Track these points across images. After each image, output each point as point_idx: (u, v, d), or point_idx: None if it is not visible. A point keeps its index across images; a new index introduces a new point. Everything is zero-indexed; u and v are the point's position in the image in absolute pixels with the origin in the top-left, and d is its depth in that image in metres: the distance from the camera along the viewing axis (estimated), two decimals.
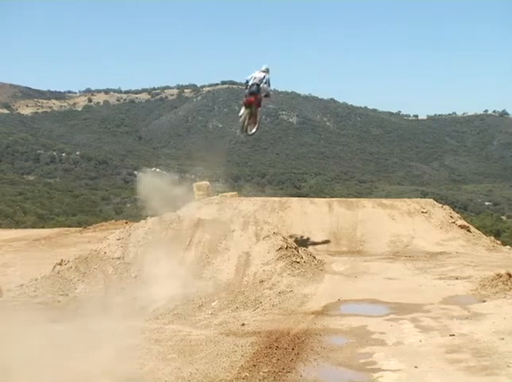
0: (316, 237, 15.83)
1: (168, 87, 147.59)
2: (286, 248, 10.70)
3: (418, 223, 16.69)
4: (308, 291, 9.27)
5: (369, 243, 15.46)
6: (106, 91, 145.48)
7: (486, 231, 22.97)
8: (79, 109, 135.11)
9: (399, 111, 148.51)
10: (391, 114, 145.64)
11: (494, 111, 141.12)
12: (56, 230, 21.80)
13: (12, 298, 9.04)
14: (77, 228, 21.64)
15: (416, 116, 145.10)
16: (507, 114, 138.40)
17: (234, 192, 21.84)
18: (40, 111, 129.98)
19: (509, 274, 9.04)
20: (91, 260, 10.13)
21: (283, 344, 6.18)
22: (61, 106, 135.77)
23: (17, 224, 42.54)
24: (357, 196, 36.30)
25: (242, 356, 5.74)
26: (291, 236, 14.05)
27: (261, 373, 5.21)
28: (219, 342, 6.51)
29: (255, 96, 13.27)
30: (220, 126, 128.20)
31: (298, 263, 10.49)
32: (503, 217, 67.38)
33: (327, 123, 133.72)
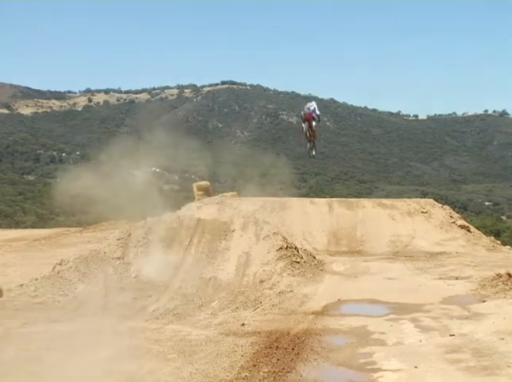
0: (316, 237, 15.83)
1: (168, 87, 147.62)
2: (286, 248, 10.70)
3: (418, 223, 16.70)
4: (308, 291, 9.27)
5: (369, 243, 15.47)
6: (106, 91, 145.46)
7: (486, 231, 22.97)
8: (79, 109, 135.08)
9: (399, 111, 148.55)
10: (391, 114, 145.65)
11: (494, 111, 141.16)
12: (56, 230, 21.82)
13: (12, 298, 9.04)
14: (77, 228, 21.64)
15: (416, 116, 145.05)
16: (507, 114, 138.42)
17: (234, 192, 21.85)
18: (40, 111, 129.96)
19: (509, 274, 9.04)
20: (91, 260, 10.13)
21: (283, 344, 6.18)
22: (61, 106, 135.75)
23: (17, 224, 42.55)
24: (357, 196, 36.29)
25: (242, 356, 5.74)
26: (291, 236, 14.06)
27: (261, 373, 5.20)
28: (219, 342, 6.51)
29: (310, 114, 17.53)
30: (220, 126, 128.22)
31: (298, 263, 10.49)
32: (503, 217, 67.39)
33: (327, 123, 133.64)
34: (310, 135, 17.90)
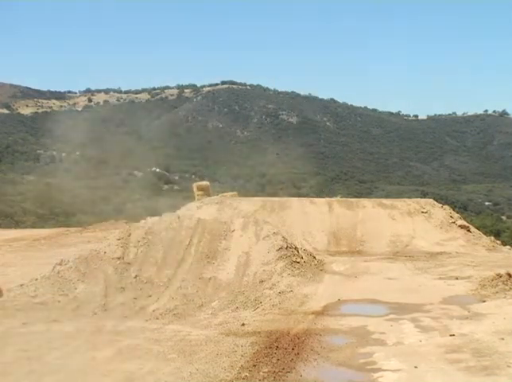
0: (316, 237, 15.83)
1: (168, 87, 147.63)
2: (286, 248, 10.70)
3: (418, 223, 16.71)
4: (308, 291, 9.26)
5: (369, 243, 15.47)
6: (106, 91, 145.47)
7: (486, 231, 22.98)
8: (79, 109, 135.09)
9: (399, 111, 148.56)
10: (391, 114, 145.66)
11: (494, 111, 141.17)
12: (56, 230, 21.81)
13: (12, 298, 9.04)
14: (77, 228, 21.64)
15: (416, 116, 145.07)
16: (507, 114, 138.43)
17: (234, 193, 21.86)
18: (40, 111, 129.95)
19: (509, 274, 9.04)
20: (91, 260, 10.12)
21: (283, 344, 6.18)
22: (61, 106, 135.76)
23: (17, 224, 42.57)
24: (357, 196, 36.30)
25: (242, 356, 5.74)
26: (291, 236, 14.06)
27: (261, 373, 5.20)
28: (219, 342, 6.50)
29: None
30: (220, 126, 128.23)
31: (298, 263, 10.49)
32: (503, 217, 67.42)
33: (327, 123, 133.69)
34: None
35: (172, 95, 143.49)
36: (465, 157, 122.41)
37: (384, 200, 18.51)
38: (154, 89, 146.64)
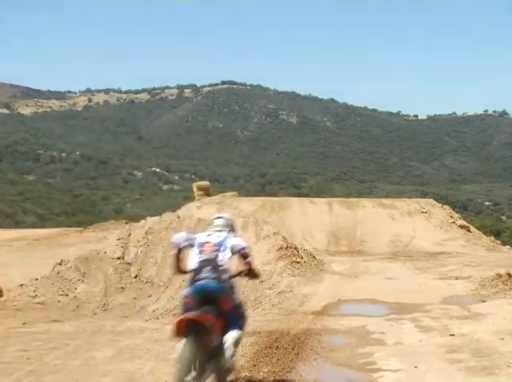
0: (316, 237, 15.84)
1: (168, 87, 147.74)
2: (286, 248, 10.71)
3: (418, 223, 16.72)
4: (308, 291, 9.27)
5: (369, 243, 15.48)
6: (106, 91, 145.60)
7: (486, 231, 23.00)
8: (79, 109, 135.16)
9: (399, 111, 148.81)
10: (391, 114, 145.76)
11: (494, 111, 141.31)
12: (56, 230, 21.81)
13: (12, 298, 9.04)
14: (77, 228, 21.64)
15: (416, 116, 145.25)
16: (507, 114, 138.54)
17: (234, 192, 21.87)
18: (40, 110, 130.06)
19: (509, 274, 9.04)
20: (91, 260, 10.12)
21: (283, 344, 6.17)
22: (61, 106, 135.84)
23: (17, 224, 42.60)
24: (357, 196, 36.33)
25: (242, 356, 5.73)
26: (291, 236, 14.06)
27: (261, 373, 5.20)
28: None
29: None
30: (220, 126, 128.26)
31: (298, 263, 10.50)
32: (503, 217, 67.47)
33: (327, 123, 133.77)
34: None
35: (172, 95, 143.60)
36: (465, 157, 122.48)
37: (384, 200, 18.53)
38: (154, 89, 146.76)
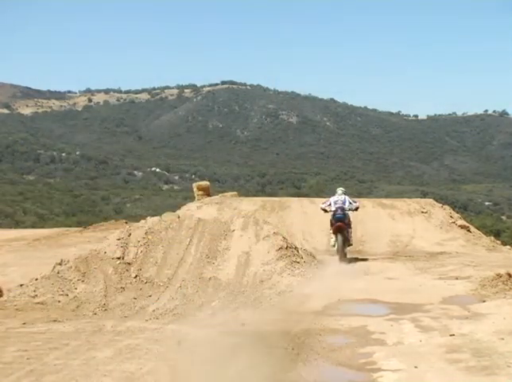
0: (316, 237, 15.82)
1: (168, 87, 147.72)
2: (286, 248, 10.70)
3: (418, 223, 16.70)
4: (308, 291, 9.26)
5: (369, 243, 15.46)
6: (106, 91, 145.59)
7: (486, 231, 23.00)
8: (79, 109, 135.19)
9: (399, 111, 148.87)
10: (391, 114, 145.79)
11: (494, 111, 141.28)
12: (56, 230, 21.79)
13: (12, 298, 9.04)
14: (77, 228, 21.61)
15: (416, 116, 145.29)
16: (507, 114, 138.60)
17: (234, 192, 21.85)
18: (40, 110, 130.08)
19: (509, 274, 9.03)
20: (91, 260, 10.11)
21: (283, 344, 6.17)
22: (61, 106, 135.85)
23: (17, 224, 42.63)
24: (357, 196, 36.28)
25: (242, 356, 5.73)
26: (291, 236, 14.05)
27: (261, 373, 5.20)
28: (218, 342, 6.51)
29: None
30: (220, 126, 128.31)
31: (298, 263, 10.48)
32: (503, 217, 67.50)
33: (327, 123, 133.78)
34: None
35: (172, 95, 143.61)
36: (465, 157, 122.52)
37: (384, 200, 18.51)
38: (154, 89, 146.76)
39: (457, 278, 10.32)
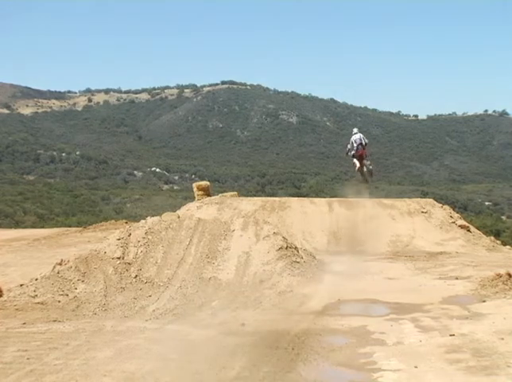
0: (316, 237, 15.83)
1: (168, 87, 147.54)
2: (286, 248, 10.70)
3: (418, 223, 16.69)
4: (308, 291, 9.27)
5: (369, 243, 15.45)
6: (106, 91, 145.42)
7: (486, 231, 22.99)
8: (79, 109, 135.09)
9: (399, 111, 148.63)
10: (391, 114, 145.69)
11: (494, 111, 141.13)
12: (56, 230, 21.79)
13: (12, 298, 9.04)
14: (77, 228, 21.61)
15: (416, 116, 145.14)
16: (507, 114, 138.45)
17: (234, 192, 21.83)
18: (40, 110, 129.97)
19: (509, 274, 9.04)
20: (91, 260, 10.11)
21: (283, 344, 6.18)
22: (61, 106, 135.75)
23: (17, 224, 42.61)
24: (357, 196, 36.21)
25: (242, 356, 5.73)
26: (291, 236, 14.05)
27: (261, 373, 5.20)
28: (218, 342, 6.51)
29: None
30: (220, 126, 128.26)
31: (298, 263, 10.49)
32: (503, 217, 67.45)
33: (327, 123, 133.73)
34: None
35: (172, 95, 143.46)
36: (465, 157, 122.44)
37: (384, 200, 18.48)
38: (154, 89, 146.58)
39: (457, 278, 10.32)
